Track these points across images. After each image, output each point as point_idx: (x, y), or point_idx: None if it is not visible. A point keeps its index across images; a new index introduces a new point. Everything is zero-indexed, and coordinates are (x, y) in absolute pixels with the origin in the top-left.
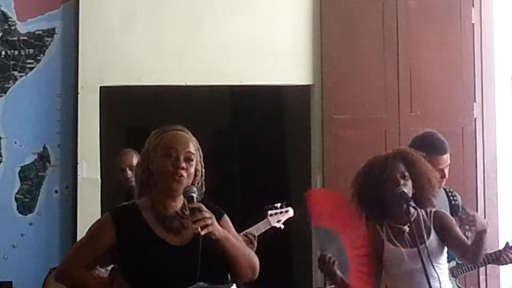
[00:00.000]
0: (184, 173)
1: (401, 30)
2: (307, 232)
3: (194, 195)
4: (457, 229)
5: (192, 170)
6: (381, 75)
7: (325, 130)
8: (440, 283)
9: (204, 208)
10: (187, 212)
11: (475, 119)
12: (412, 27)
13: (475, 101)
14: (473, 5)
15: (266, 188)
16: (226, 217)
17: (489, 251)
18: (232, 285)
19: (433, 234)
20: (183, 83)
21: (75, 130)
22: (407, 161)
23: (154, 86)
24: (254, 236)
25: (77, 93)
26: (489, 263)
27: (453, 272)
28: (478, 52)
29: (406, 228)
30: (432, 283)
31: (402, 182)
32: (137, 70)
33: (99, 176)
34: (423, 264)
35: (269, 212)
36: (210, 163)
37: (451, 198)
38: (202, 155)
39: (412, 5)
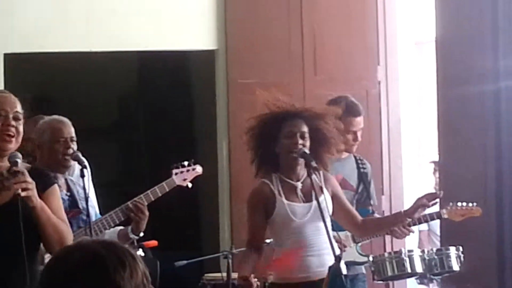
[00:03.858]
0: (14, 130)
1: None
2: (214, 194)
3: (19, 160)
4: (344, 198)
5: (21, 129)
6: (286, 40)
7: (230, 94)
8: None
9: (27, 174)
10: (11, 175)
11: (379, 82)
12: None
13: (378, 64)
14: None
15: (172, 154)
16: (56, 186)
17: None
18: (138, 249)
19: (325, 192)
20: (87, 50)
21: None
22: (309, 120)
23: (58, 52)
24: (143, 204)
25: None
26: (389, 234)
27: (354, 238)
28: (382, 16)
29: (299, 184)
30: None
31: (301, 141)
32: (40, 36)
33: None
34: (322, 217)
35: (174, 171)
36: (116, 130)
37: (360, 165)
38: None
39: None
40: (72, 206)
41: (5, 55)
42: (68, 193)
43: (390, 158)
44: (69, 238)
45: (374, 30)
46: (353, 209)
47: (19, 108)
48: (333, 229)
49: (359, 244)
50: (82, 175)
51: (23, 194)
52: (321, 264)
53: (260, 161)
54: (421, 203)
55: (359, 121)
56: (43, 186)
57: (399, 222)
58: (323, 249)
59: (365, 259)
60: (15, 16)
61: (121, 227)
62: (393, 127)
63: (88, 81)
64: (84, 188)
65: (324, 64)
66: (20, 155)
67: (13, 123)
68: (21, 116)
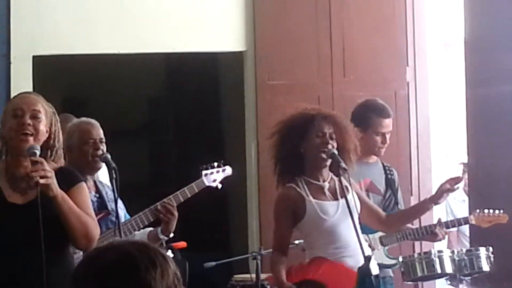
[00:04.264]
0: (31, 129)
1: None
2: (243, 195)
3: (37, 151)
4: (365, 196)
5: (42, 127)
6: (314, 41)
7: (258, 96)
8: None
9: (45, 163)
10: (30, 166)
11: (408, 83)
12: None
13: (407, 65)
14: None
15: (201, 155)
16: (83, 184)
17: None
18: (167, 250)
19: (351, 191)
20: (115, 52)
21: (8, 100)
22: (337, 124)
23: (87, 54)
24: (172, 205)
25: (10, 62)
26: (417, 239)
27: (382, 241)
28: (410, 17)
29: (326, 184)
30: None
31: (330, 141)
32: (69, 39)
33: None
34: (350, 213)
35: (204, 171)
36: (145, 132)
37: (388, 171)
38: (58, 120)
39: None
40: (101, 207)
41: (34, 57)
42: (97, 195)
43: (419, 160)
44: (96, 232)
45: (403, 31)
46: (376, 205)
47: (39, 106)
48: (363, 232)
49: (387, 247)
50: (111, 177)
51: (41, 181)
52: (356, 265)
53: (283, 164)
54: (445, 188)
55: (388, 123)
56: (69, 184)
57: (426, 209)
58: (358, 249)
59: (392, 261)
60: (44, 19)
61: (151, 228)
62: (421, 128)
63: (117, 83)
64: (113, 190)
65: (353, 65)
66: (38, 147)
67: (29, 121)
68: (40, 115)
